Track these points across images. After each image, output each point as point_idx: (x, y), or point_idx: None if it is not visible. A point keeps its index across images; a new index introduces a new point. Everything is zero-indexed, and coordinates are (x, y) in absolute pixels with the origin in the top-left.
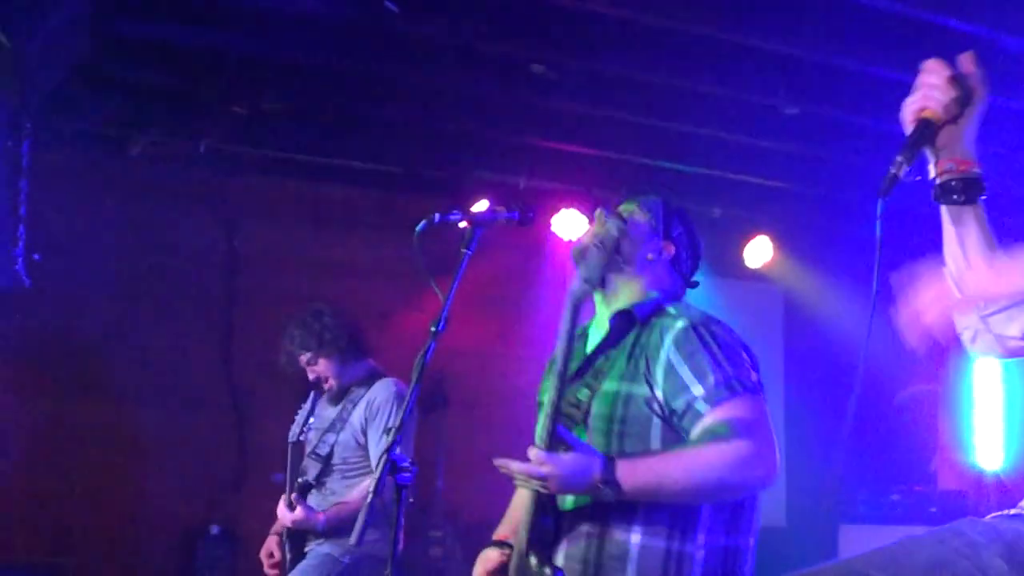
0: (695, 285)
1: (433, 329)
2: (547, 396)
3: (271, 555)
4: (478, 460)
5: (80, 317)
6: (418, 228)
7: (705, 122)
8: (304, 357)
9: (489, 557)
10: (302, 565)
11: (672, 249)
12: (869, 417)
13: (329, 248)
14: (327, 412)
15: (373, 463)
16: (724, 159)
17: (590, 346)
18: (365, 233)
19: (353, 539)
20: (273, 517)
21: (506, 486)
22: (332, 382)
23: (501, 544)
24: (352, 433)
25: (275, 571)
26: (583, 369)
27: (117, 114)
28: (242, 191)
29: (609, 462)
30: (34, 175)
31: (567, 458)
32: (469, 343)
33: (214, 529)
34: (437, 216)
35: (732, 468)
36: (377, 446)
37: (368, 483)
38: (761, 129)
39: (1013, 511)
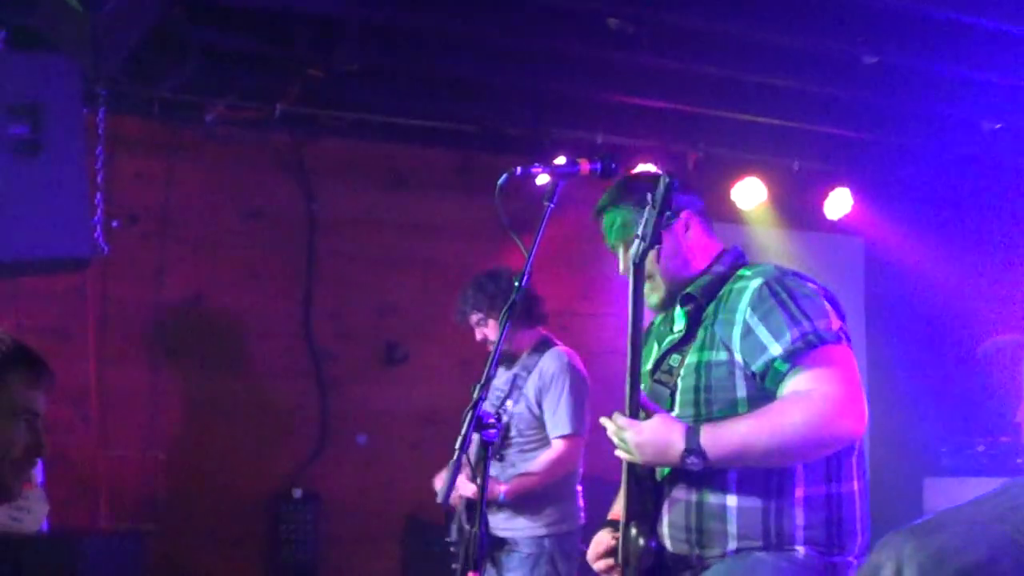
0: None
1: (517, 284)
2: (644, 377)
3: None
4: None
5: (161, 284)
6: (500, 181)
7: (783, 73)
8: (475, 317)
9: (599, 540)
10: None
11: (687, 218)
12: (953, 369)
13: (407, 209)
14: (499, 378)
15: (550, 435)
16: (802, 110)
17: (677, 323)
18: (443, 193)
19: (440, 497)
20: (355, 479)
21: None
22: (503, 346)
23: (613, 524)
24: (527, 405)
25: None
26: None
27: (192, 79)
28: (319, 154)
29: (692, 430)
30: (110, 142)
31: (647, 424)
32: (551, 302)
33: (296, 493)
34: (519, 169)
35: (817, 422)
36: (554, 416)
37: (545, 455)
38: (840, 79)
39: None
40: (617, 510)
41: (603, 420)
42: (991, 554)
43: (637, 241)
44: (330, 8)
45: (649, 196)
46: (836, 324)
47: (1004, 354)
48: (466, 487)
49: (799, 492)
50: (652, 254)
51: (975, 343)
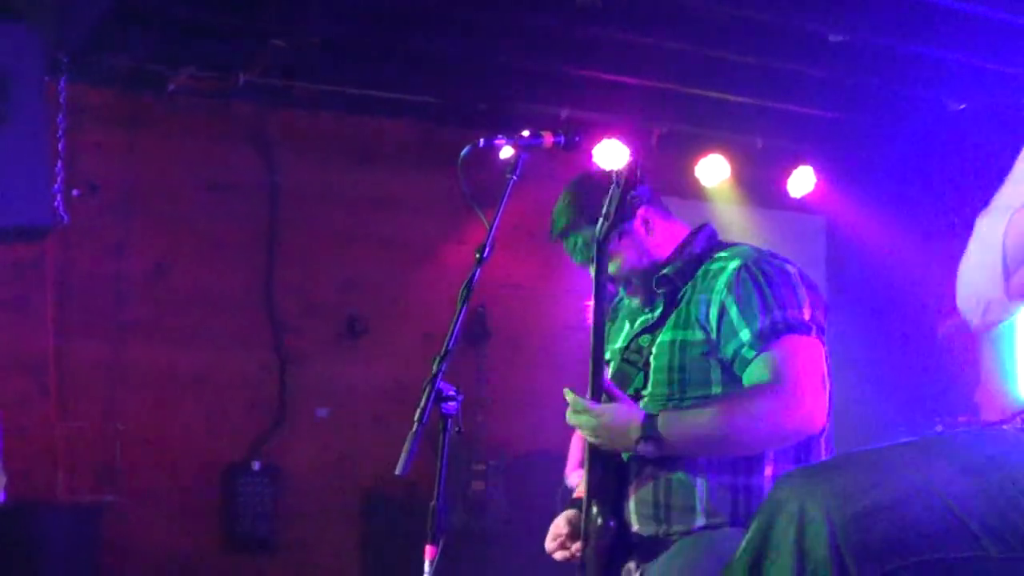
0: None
1: (478, 256)
2: (611, 355)
3: None
4: (520, 394)
5: (121, 255)
6: (462, 153)
7: (749, 50)
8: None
9: (559, 525)
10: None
11: (644, 214)
12: (912, 348)
13: (370, 181)
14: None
15: None
16: (767, 88)
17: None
18: (406, 166)
19: (399, 469)
20: (315, 453)
21: (547, 420)
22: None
23: (576, 502)
24: None
25: None
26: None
27: (155, 49)
28: (282, 125)
29: (649, 420)
30: (72, 111)
31: (605, 408)
32: (512, 277)
33: (255, 465)
34: (482, 141)
35: (773, 417)
36: None
37: None
38: (805, 57)
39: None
40: (579, 490)
41: (567, 392)
42: (898, 496)
43: (602, 221)
44: None
45: (614, 176)
46: (808, 313)
47: (964, 335)
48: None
49: (768, 470)
50: (619, 264)
51: (935, 324)
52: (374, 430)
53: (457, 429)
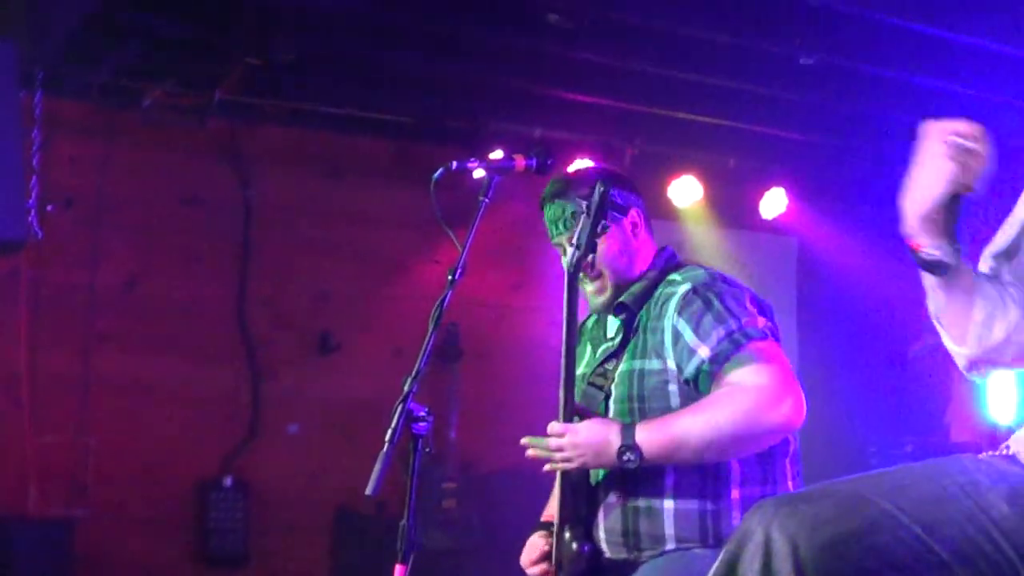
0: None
1: (450, 277)
2: (578, 380)
3: None
4: (492, 411)
5: (94, 269)
6: (435, 176)
7: (721, 72)
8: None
9: (533, 545)
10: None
11: (635, 216)
12: (883, 369)
13: (343, 198)
14: None
15: None
16: (739, 109)
17: (611, 330)
18: (380, 183)
19: (369, 488)
20: (286, 468)
21: (518, 438)
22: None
23: (546, 526)
24: None
25: None
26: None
27: (130, 64)
28: (256, 142)
29: (627, 427)
30: (47, 125)
31: (582, 426)
32: (484, 294)
33: (227, 481)
34: (454, 163)
35: (752, 412)
36: None
37: None
38: (777, 79)
39: (1007, 452)
40: (550, 512)
41: (527, 440)
42: (866, 526)
43: (572, 249)
44: None
45: (584, 203)
46: (761, 321)
47: (934, 356)
48: None
49: (735, 494)
50: (601, 251)
51: (906, 344)
52: (345, 446)
53: (427, 449)
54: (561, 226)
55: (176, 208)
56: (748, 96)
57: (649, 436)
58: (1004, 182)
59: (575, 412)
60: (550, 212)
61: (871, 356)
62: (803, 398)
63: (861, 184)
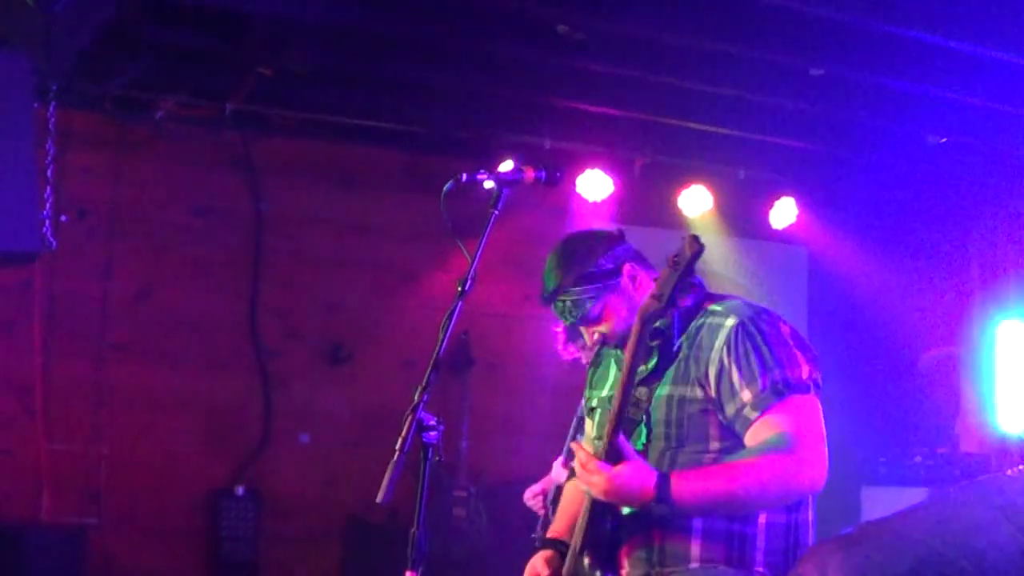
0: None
1: (460, 289)
2: (599, 403)
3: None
4: (502, 421)
5: (108, 279)
6: (445, 188)
7: (731, 83)
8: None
9: (537, 564)
10: None
11: (630, 271)
12: (892, 380)
13: (355, 209)
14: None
15: None
16: (749, 120)
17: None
18: (390, 194)
19: (380, 496)
20: (298, 477)
21: (528, 447)
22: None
23: (555, 543)
24: None
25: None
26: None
27: (143, 76)
28: (268, 153)
29: (662, 481)
30: (61, 137)
31: (618, 471)
32: (494, 305)
33: (239, 490)
34: (464, 176)
35: (781, 480)
36: None
37: None
38: (787, 90)
39: None
40: (559, 528)
41: (577, 450)
42: (916, 567)
43: (651, 299)
44: (281, 8)
45: (671, 258)
46: (806, 371)
47: (943, 366)
48: (560, 474)
49: (762, 519)
50: (611, 323)
51: (915, 354)
52: (356, 455)
53: (438, 458)
54: (569, 317)
55: (188, 219)
56: (758, 106)
57: (682, 493)
58: (1005, 191)
59: (616, 447)
60: (557, 309)
61: (881, 366)
62: (827, 463)
63: (870, 194)
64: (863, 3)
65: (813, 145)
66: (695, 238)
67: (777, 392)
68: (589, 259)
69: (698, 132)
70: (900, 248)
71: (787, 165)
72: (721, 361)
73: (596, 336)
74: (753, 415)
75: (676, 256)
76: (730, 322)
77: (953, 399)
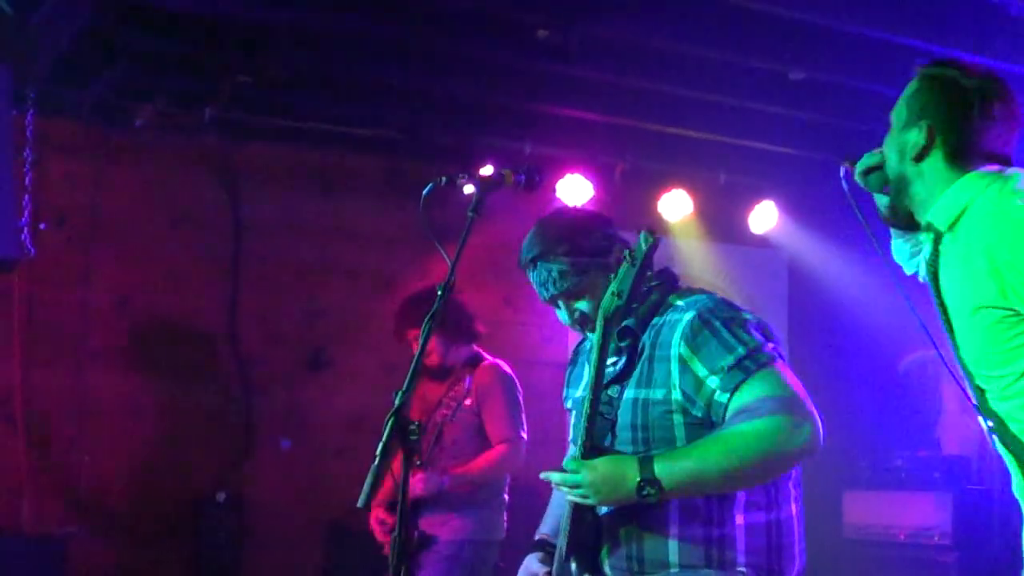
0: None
1: (440, 292)
2: (573, 404)
3: (383, 522)
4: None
5: (88, 287)
6: (425, 191)
7: (710, 87)
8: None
9: (530, 570)
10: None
11: (621, 255)
12: (873, 383)
13: (335, 215)
14: (430, 389)
15: (493, 440)
16: (729, 124)
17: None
18: (370, 200)
19: (361, 502)
20: (279, 484)
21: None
22: (436, 359)
23: (543, 544)
24: (464, 415)
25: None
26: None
27: (122, 83)
28: (247, 159)
29: (645, 461)
30: (39, 145)
31: (599, 461)
32: (474, 309)
33: (220, 496)
34: (444, 179)
35: (772, 440)
36: (495, 422)
37: (490, 451)
38: (767, 95)
39: None
40: (546, 530)
41: (546, 474)
42: None
43: (611, 296)
44: (260, 14)
45: (627, 253)
46: (769, 345)
47: (924, 370)
48: (414, 487)
49: (740, 519)
50: (592, 297)
51: (896, 358)
52: (338, 461)
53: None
54: (551, 287)
55: (168, 225)
56: (738, 111)
57: (669, 469)
58: None
59: (591, 446)
60: (536, 276)
61: (862, 370)
62: (819, 420)
63: None
64: (842, 7)
65: (793, 149)
66: (650, 231)
67: (744, 369)
68: (583, 233)
69: (678, 137)
70: (881, 252)
71: (767, 169)
72: (680, 357)
73: (577, 315)
74: (725, 397)
75: (631, 251)
76: (687, 316)
77: (934, 402)
